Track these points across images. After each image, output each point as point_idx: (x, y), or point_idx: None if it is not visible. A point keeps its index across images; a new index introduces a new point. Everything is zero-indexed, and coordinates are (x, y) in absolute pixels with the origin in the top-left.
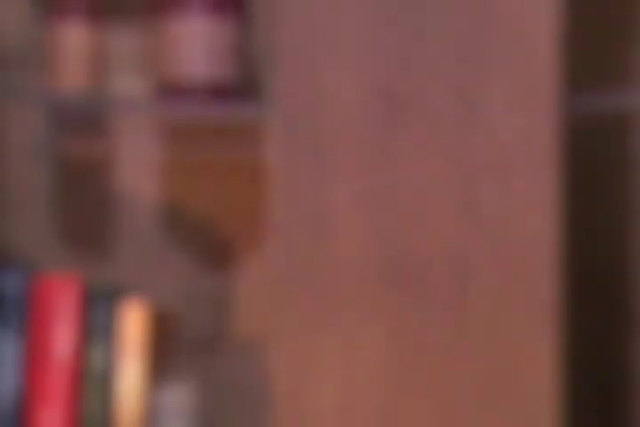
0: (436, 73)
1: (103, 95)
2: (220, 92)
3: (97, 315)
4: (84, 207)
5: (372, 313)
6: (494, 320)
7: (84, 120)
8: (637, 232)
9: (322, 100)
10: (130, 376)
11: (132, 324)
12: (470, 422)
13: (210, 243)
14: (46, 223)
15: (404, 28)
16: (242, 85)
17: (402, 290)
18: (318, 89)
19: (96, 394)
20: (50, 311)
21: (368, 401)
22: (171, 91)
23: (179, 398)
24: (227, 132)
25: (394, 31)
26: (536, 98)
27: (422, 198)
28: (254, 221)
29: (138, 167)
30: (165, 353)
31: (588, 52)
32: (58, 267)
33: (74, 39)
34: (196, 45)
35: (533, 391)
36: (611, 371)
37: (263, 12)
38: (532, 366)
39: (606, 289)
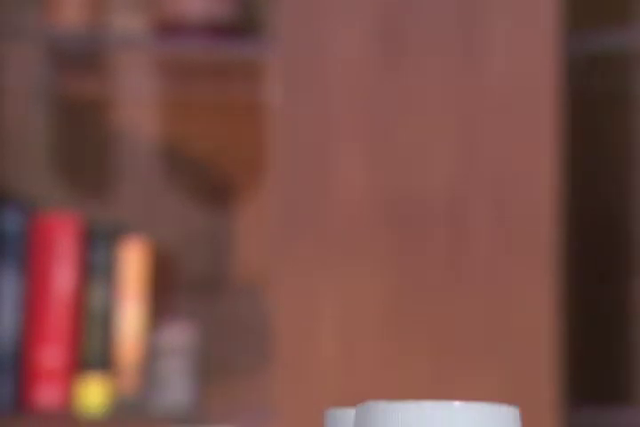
0: (436, 15)
1: (102, 32)
2: (220, 29)
3: (97, 254)
4: (84, 146)
5: (370, 254)
6: (493, 261)
7: (83, 57)
8: (637, 173)
9: (322, 38)
10: (130, 315)
11: (132, 263)
12: (469, 362)
13: (210, 182)
14: (46, 162)
15: None
16: (242, 23)
17: (401, 231)
18: (319, 27)
19: (96, 332)
20: (50, 249)
21: (366, 341)
22: (170, 28)
23: (178, 337)
24: (227, 70)
25: None
26: (536, 39)
27: (422, 140)
28: (254, 161)
29: (138, 106)
30: (165, 292)
31: None
32: (58, 206)
33: None
34: None
35: (532, 330)
36: (610, 307)
37: None
38: (530, 306)
39: (606, 230)
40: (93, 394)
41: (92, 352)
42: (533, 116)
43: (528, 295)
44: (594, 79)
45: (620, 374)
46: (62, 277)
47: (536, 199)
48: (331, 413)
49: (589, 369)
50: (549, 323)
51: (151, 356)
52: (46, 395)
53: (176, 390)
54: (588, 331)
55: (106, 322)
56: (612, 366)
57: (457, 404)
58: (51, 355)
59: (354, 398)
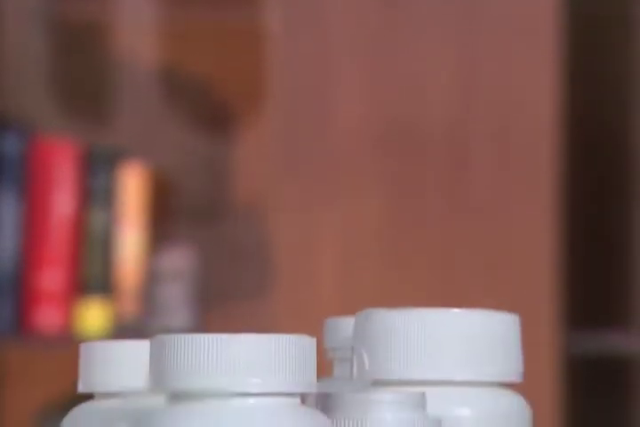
0: None
1: None
2: None
3: (96, 178)
4: (84, 71)
5: (370, 181)
6: (493, 187)
7: None
8: (638, 103)
9: None
10: (129, 239)
11: (132, 188)
12: (468, 292)
13: (210, 108)
14: (46, 87)
15: None
16: None
17: (401, 159)
18: None
19: (96, 256)
20: (49, 174)
21: (366, 266)
22: None
23: (178, 262)
24: None
25: None
26: None
27: (422, 70)
28: (254, 87)
29: (137, 31)
30: (165, 218)
31: None
32: (57, 131)
33: None
34: None
35: (532, 255)
36: (610, 240)
37: None
38: (530, 231)
39: (606, 161)
40: (93, 317)
41: (92, 276)
42: (534, 42)
43: (528, 220)
44: (594, 3)
45: (618, 297)
46: (62, 201)
47: (536, 125)
48: (330, 321)
49: (588, 293)
50: (549, 248)
51: (151, 280)
52: (46, 318)
53: (176, 314)
54: (587, 255)
55: (106, 246)
56: (611, 290)
57: (456, 310)
58: (51, 278)
59: None
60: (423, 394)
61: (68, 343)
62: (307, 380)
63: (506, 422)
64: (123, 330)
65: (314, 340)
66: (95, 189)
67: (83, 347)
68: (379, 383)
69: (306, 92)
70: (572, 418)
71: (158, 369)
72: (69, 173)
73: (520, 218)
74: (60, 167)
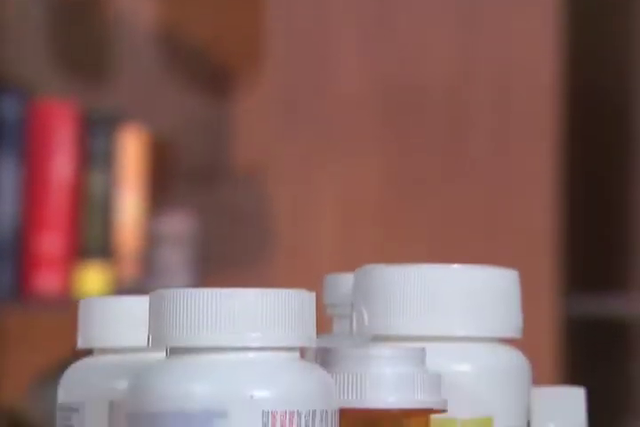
0: None
1: None
2: None
3: (96, 141)
4: (83, 34)
5: (369, 142)
6: (493, 148)
7: None
8: (638, 62)
9: None
10: (129, 203)
11: (131, 150)
12: (467, 249)
13: (209, 70)
14: (45, 50)
15: None
16: None
17: (400, 120)
18: None
19: (96, 220)
20: (48, 137)
21: (366, 228)
22: None
23: (178, 225)
24: None
25: None
26: None
27: (423, 34)
28: (253, 48)
29: None
30: (164, 181)
31: None
32: (57, 93)
33: None
34: None
35: (532, 217)
36: (610, 203)
37: None
38: (530, 193)
39: (606, 113)
40: (93, 281)
41: (92, 240)
42: (534, 5)
43: (528, 182)
44: None
45: (618, 260)
46: (61, 164)
47: (536, 87)
48: (329, 277)
49: (588, 256)
50: (549, 210)
51: (150, 244)
52: (46, 282)
53: (175, 278)
54: (588, 218)
55: (105, 210)
56: (611, 253)
57: (456, 266)
58: (50, 242)
59: None
60: (423, 349)
61: (68, 307)
62: (306, 334)
63: (505, 378)
64: (122, 294)
65: (313, 294)
66: (94, 153)
67: (82, 303)
68: (378, 339)
69: (305, 53)
70: (571, 378)
71: (157, 324)
72: (68, 136)
73: (519, 179)
74: (60, 130)
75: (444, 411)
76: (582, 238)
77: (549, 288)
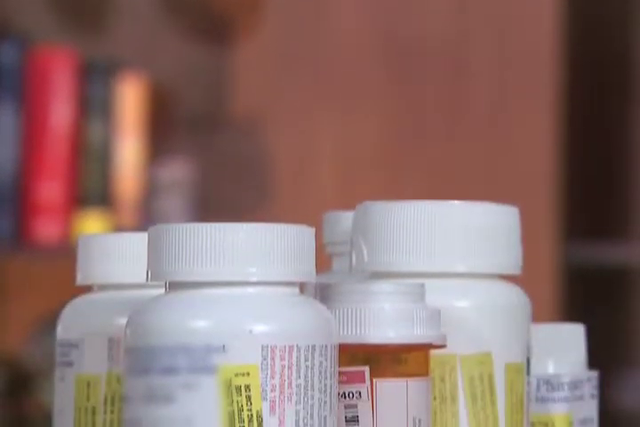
0: None
1: None
2: None
3: (94, 89)
4: None
5: (369, 91)
6: (493, 98)
7: None
8: (637, 11)
9: None
10: (128, 151)
11: (130, 98)
12: (467, 196)
13: (208, 18)
14: None
15: None
16: None
17: (400, 69)
18: None
19: (95, 168)
20: (47, 84)
21: (365, 177)
22: None
23: (177, 173)
24: None
25: None
26: None
27: None
28: None
29: None
30: (163, 129)
31: None
32: (56, 41)
33: None
34: None
35: (532, 167)
36: (610, 151)
37: None
38: (530, 144)
39: (605, 66)
40: (92, 229)
41: (91, 187)
42: None
43: (528, 131)
44: None
45: (616, 208)
46: (59, 111)
47: (537, 38)
48: (329, 215)
49: (588, 204)
50: (549, 158)
51: (149, 192)
52: (45, 229)
53: None
54: (588, 166)
55: (104, 157)
56: (610, 201)
57: (457, 202)
58: (49, 190)
59: None
60: (422, 285)
61: (68, 255)
62: (306, 269)
63: (505, 314)
64: None
65: (312, 230)
66: (93, 100)
67: (81, 240)
68: (377, 276)
69: (305, 3)
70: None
71: (156, 259)
72: (67, 84)
73: (519, 129)
74: (58, 78)
75: (443, 346)
76: (583, 186)
77: (549, 235)
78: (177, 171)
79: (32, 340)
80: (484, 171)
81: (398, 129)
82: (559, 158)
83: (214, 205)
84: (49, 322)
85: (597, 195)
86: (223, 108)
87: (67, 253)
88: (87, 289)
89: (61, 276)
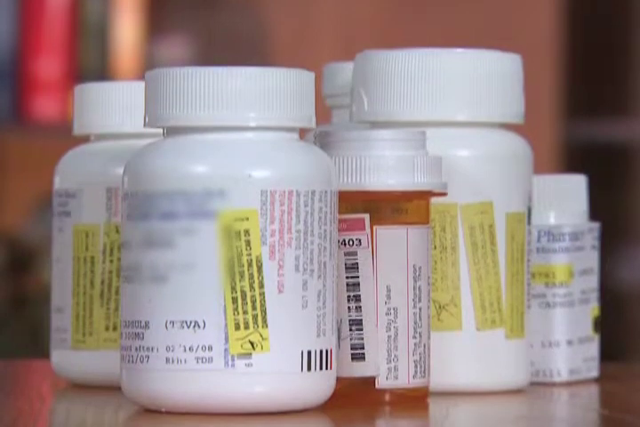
0: None
1: None
2: None
3: None
4: None
5: None
6: None
7: None
8: None
9: None
10: (126, 27)
11: None
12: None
13: None
14: None
15: None
16: None
17: None
18: None
19: (93, 44)
20: None
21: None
22: None
23: (175, 50)
24: None
25: None
26: None
27: None
28: None
29: None
30: (162, 4)
31: None
32: None
33: None
34: None
35: (534, 43)
36: (611, 25)
37: None
38: (533, 20)
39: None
40: None
41: (89, 64)
42: None
43: (530, 8)
44: None
45: (618, 86)
46: None
47: None
48: (328, 67)
49: (589, 82)
50: (550, 32)
51: (148, 69)
52: (43, 106)
53: None
54: (589, 42)
55: (102, 34)
56: (611, 79)
57: (459, 49)
58: (47, 66)
59: None
60: (423, 133)
61: (65, 132)
62: (305, 115)
63: (506, 163)
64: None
65: (312, 74)
66: None
67: (77, 89)
68: (377, 126)
69: None
70: None
71: (154, 104)
72: None
73: (522, 3)
74: None
75: (443, 194)
76: (584, 62)
77: (550, 114)
78: (176, 47)
79: (32, 217)
80: (484, 38)
81: (399, 4)
82: (561, 32)
83: None
84: (48, 199)
85: (599, 71)
86: None
87: (65, 130)
88: (84, 140)
89: (60, 153)
